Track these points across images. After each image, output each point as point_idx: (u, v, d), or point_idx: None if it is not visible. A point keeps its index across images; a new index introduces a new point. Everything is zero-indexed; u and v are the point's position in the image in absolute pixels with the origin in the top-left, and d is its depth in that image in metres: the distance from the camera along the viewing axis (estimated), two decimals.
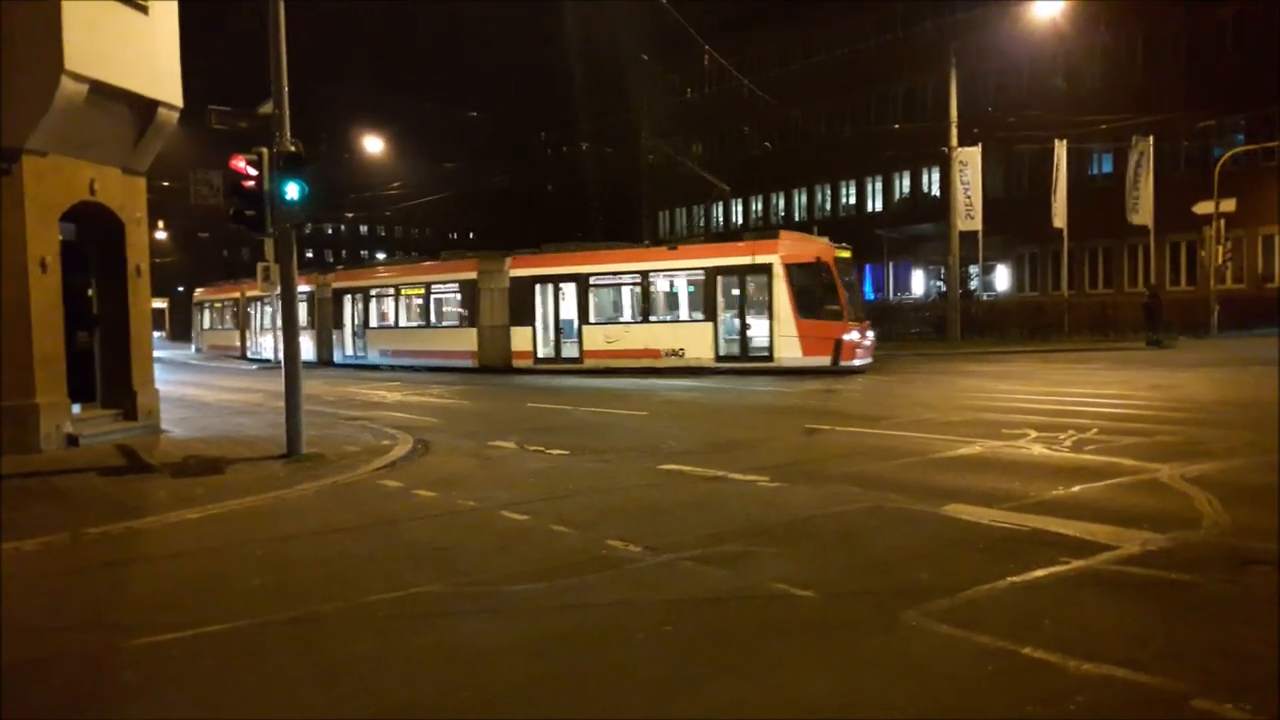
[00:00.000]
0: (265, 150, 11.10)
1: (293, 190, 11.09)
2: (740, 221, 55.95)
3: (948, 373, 21.57)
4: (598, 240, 29.32)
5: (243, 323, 39.07)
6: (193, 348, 46.14)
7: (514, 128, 60.64)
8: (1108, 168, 37.58)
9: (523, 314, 25.34)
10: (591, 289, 24.57)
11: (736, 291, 22.47)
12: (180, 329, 57.37)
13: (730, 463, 9.84)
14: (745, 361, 22.30)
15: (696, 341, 22.88)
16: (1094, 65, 38.78)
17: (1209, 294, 31.04)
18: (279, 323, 33.07)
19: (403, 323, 29.35)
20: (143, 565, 6.90)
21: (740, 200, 56.64)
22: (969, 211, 28.91)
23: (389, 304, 29.95)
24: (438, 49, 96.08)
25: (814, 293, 21.77)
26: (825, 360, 21.45)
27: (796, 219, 52.01)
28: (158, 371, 15.11)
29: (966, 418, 13.14)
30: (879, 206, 48.87)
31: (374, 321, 30.22)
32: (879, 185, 49.40)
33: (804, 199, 53.24)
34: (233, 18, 47.00)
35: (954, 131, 28.49)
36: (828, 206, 51.84)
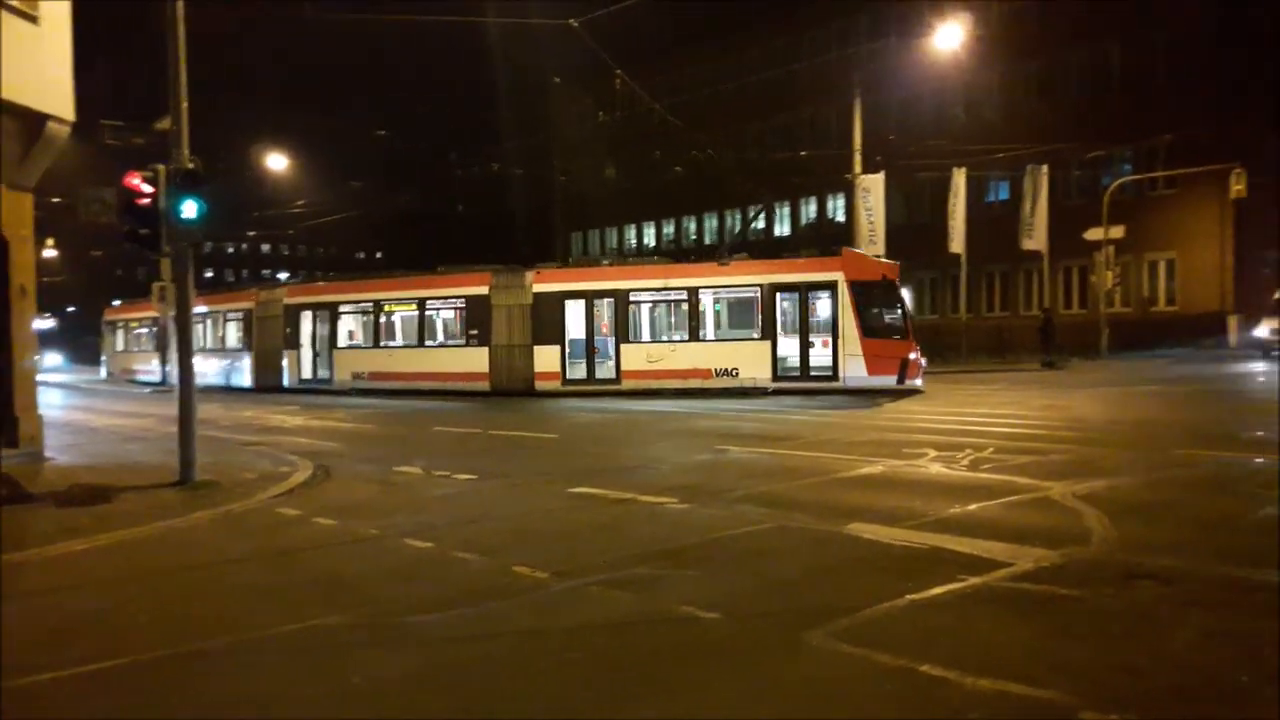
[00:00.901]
0: (162, 167, 10.74)
1: (190, 208, 10.74)
2: (652, 244, 56.35)
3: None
4: (511, 261, 28.38)
5: (163, 344, 35.21)
6: (102, 371, 42.20)
7: (425, 147, 60.03)
8: (1004, 195, 39.02)
9: (549, 332, 23.32)
10: (631, 305, 23.10)
11: (797, 309, 21.78)
12: (87, 352, 53.63)
13: (640, 485, 9.84)
14: (806, 381, 21.49)
15: (752, 361, 21.87)
16: (992, 97, 40.31)
17: (1100, 317, 32.39)
18: (209, 343, 30.77)
19: (387, 342, 26.26)
20: (22, 601, 6.52)
21: (653, 223, 57.14)
22: (872, 236, 29.62)
23: (366, 321, 26.62)
24: (346, 66, 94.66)
25: (879, 311, 21.45)
26: (891, 380, 21.01)
27: (707, 242, 52.67)
28: (51, 396, 14.42)
29: (869, 438, 13.40)
30: (787, 231, 49.79)
31: (343, 341, 26.86)
32: (787, 210, 50.36)
33: (715, 223, 53.95)
34: (135, 31, 45.52)
35: (858, 159, 29.24)
36: (737, 230, 52.58)
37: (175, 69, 11.07)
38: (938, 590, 5.79)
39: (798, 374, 21.60)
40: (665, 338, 23.36)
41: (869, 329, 21.10)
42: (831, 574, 6.43)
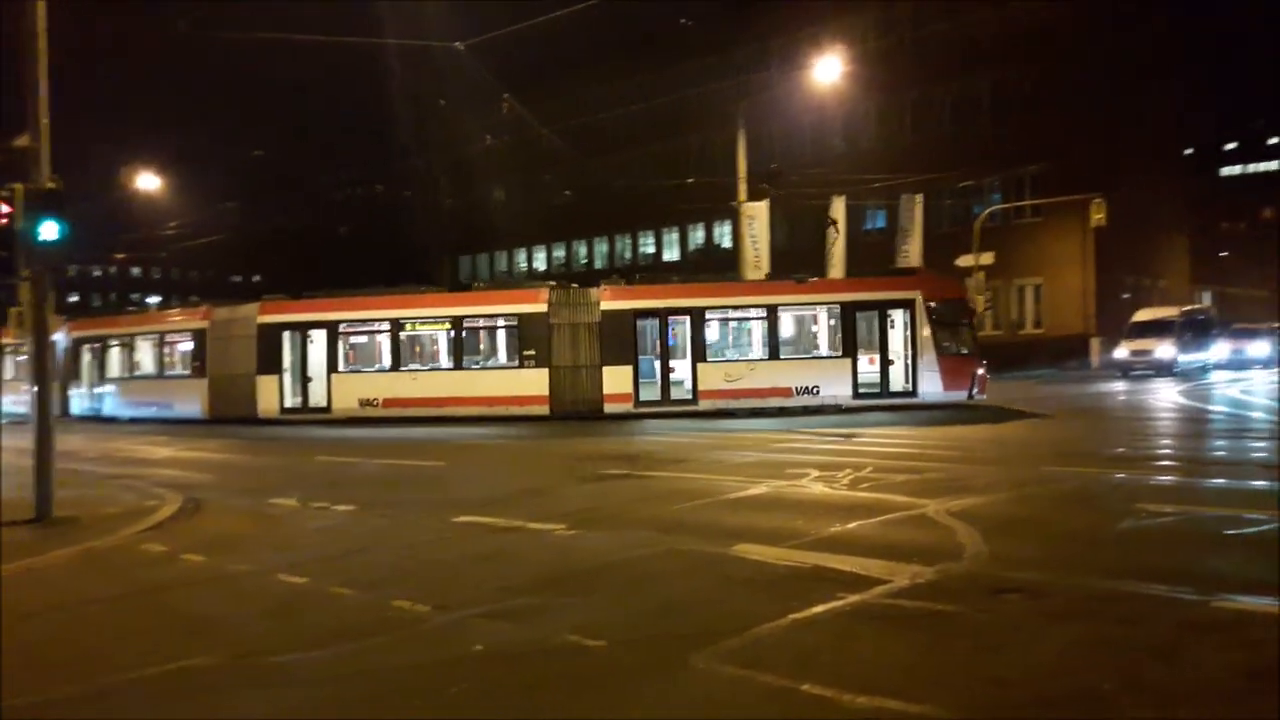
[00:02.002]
0: (19, 186, 10.16)
1: (50, 230, 10.18)
2: (543, 268, 56.28)
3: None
4: (397, 285, 26.58)
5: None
6: None
7: (305, 169, 58.66)
8: (881, 223, 40.41)
9: (619, 351, 22.08)
10: (708, 324, 22.42)
11: (875, 327, 21.79)
12: None
13: (526, 512, 9.72)
14: (886, 398, 21.50)
15: (833, 379, 21.64)
16: (869, 128, 41.83)
17: None
18: (143, 369, 27.32)
19: (409, 365, 23.73)
20: None
21: (543, 247, 57.08)
22: (757, 262, 30.18)
23: (379, 342, 24.15)
24: (223, 85, 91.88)
25: (952, 328, 21.85)
26: (962, 395, 21.43)
27: (598, 266, 52.91)
28: None
29: (754, 459, 13.60)
30: (676, 256, 50.44)
31: (345, 364, 23.92)
32: (675, 236, 51.07)
33: (605, 247, 54.26)
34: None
35: (742, 187, 29.78)
36: (627, 255, 53.03)
37: (35, 83, 10.51)
38: (819, 609, 5.88)
39: (878, 391, 21.62)
40: (744, 356, 22.69)
41: (943, 346, 21.51)
42: (718, 596, 6.46)
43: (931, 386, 21.41)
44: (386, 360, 23.75)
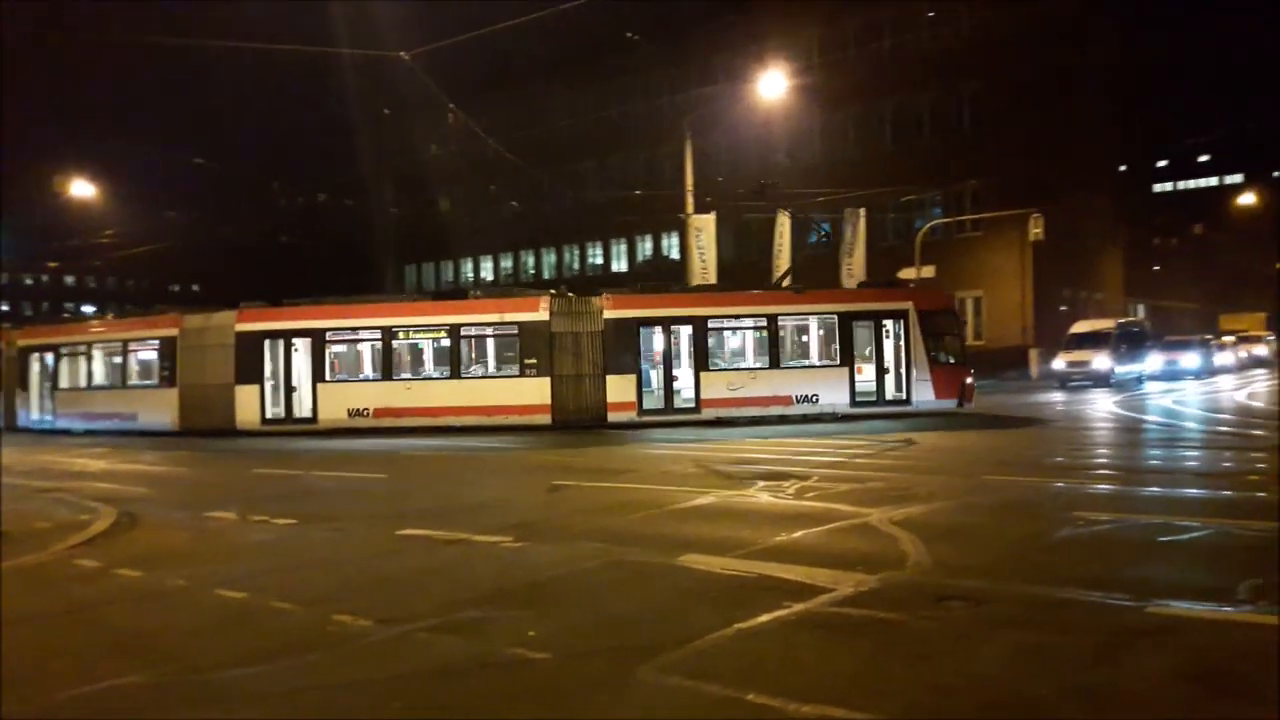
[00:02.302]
0: None
1: None
2: (490, 278, 55.98)
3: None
4: (343, 293, 25.78)
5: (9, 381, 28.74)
6: None
7: (247, 178, 57.71)
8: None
9: (623, 360, 22.02)
10: (711, 333, 22.45)
11: (872, 336, 22.26)
12: None
13: (473, 524, 9.62)
14: (881, 406, 22.01)
15: (831, 387, 22.01)
16: (813, 143, 42.38)
17: None
18: (99, 379, 25.91)
19: (402, 374, 23.10)
20: None
21: (490, 257, 56.79)
22: (704, 274, 30.37)
23: (368, 351, 23.59)
24: (163, 92, 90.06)
25: (942, 338, 22.43)
26: (952, 403, 21.99)
27: (546, 277, 52.80)
28: None
29: (701, 469, 13.63)
30: (624, 267, 50.51)
31: (332, 373, 23.38)
32: (623, 247, 51.15)
33: (553, 258, 54.17)
34: None
35: (690, 199, 29.98)
36: (575, 266, 52.98)
37: None
38: (764, 618, 5.90)
39: (874, 399, 22.08)
40: (745, 365, 22.87)
41: (934, 356, 22.06)
42: (664, 606, 6.45)
43: (924, 395, 21.94)
44: (378, 369, 23.24)
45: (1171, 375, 35.70)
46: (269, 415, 23.23)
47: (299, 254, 58.22)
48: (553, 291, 23.60)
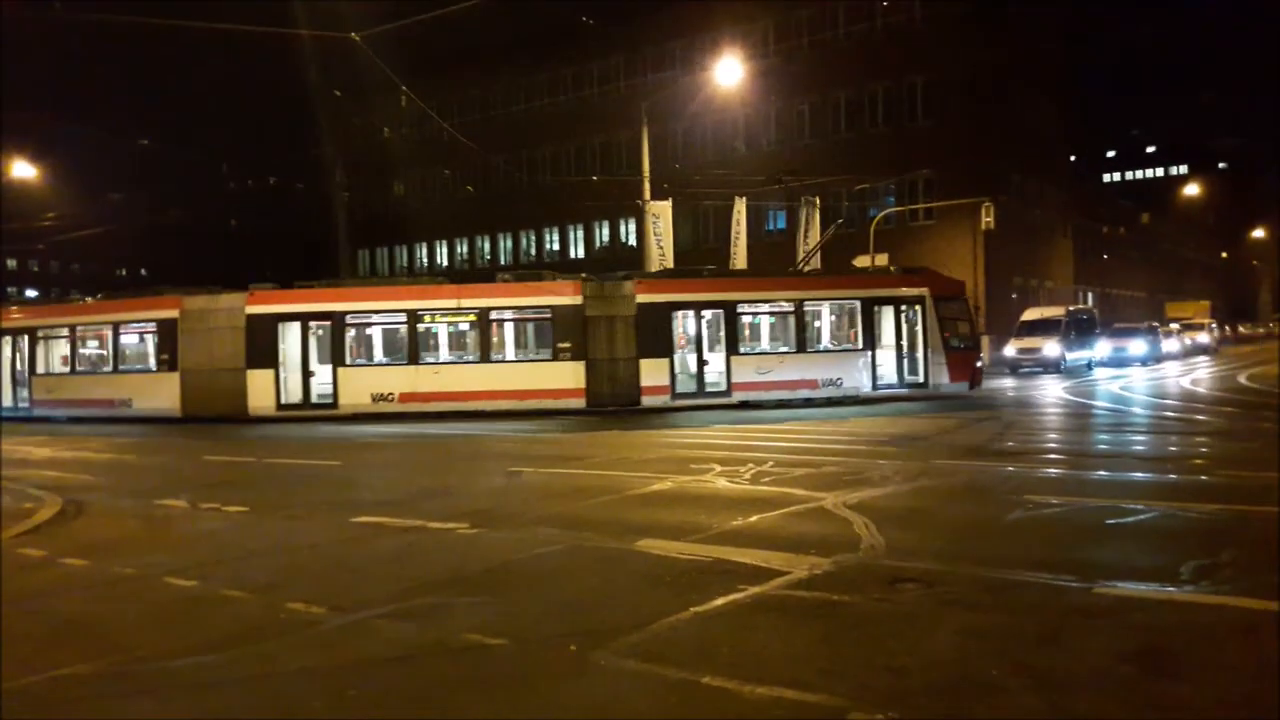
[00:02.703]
0: None
1: None
2: (445, 264, 55.56)
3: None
4: (299, 278, 25.32)
5: None
6: None
7: (196, 160, 56.59)
8: (781, 224, 41.14)
9: (656, 344, 22.18)
10: (740, 317, 22.90)
11: (891, 322, 22.84)
12: None
13: (430, 511, 9.56)
14: (901, 389, 22.73)
15: (855, 370, 22.56)
16: (769, 131, 42.53)
17: None
18: (88, 364, 24.86)
19: (429, 358, 22.90)
20: None
21: (445, 242, 56.33)
22: (662, 260, 30.42)
23: (394, 335, 23.28)
24: (108, 70, 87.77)
25: (955, 323, 23.17)
26: (965, 386, 22.90)
27: (502, 262, 52.50)
28: None
29: (660, 455, 13.68)
30: (581, 254, 50.38)
31: (353, 357, 23.12)
32: (581, 233, 51.01)
33: (509, 243, 53.86)
34: None
35: (646, 185, 29.97)
36: (533, 251, 52.75)
37: None
38: (720, 601, 5.94)
39: (895, 382, 22.76)
40: (772, 349, 23.41)
41: (949, 340, 22.82)
42: (621, 591, 6.47)
43: (940, 378, 22.70)
44: (403, 353, 22.88)
45: (1119, 362, 36.48)
46: (285, 400, 22.61)
47: (250, 238, 57.30)
48: (583, 276, 23.74)
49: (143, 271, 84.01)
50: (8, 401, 25.61)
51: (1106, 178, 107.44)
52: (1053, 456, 13.19)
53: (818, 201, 33.86)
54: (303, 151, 53.29)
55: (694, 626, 5.54)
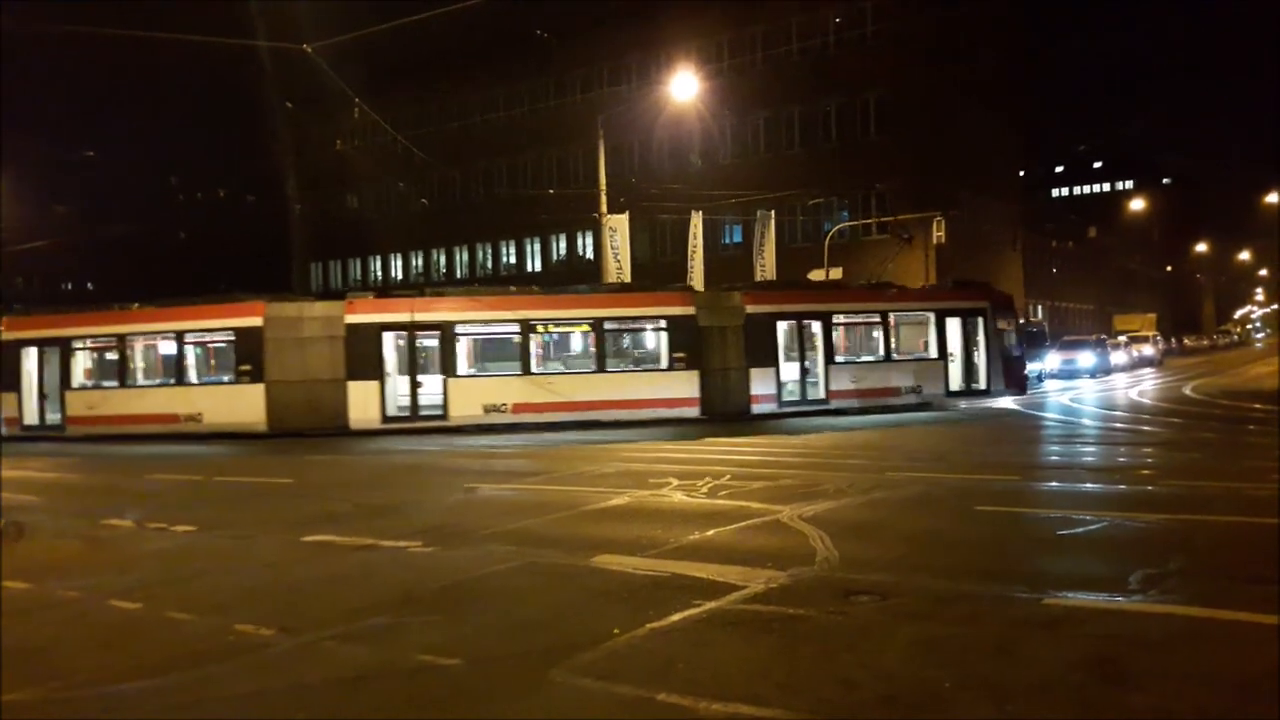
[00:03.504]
0: None
1: None
2: (400, 276, 55.11)
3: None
4: (251, 291, 23.92)
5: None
6: None
7: (143, 172, 55.68)
8: (738, 238, 41.41)
9: (762, 354, 22.54)
10: (835, 328, 23.58)
11: (959, 332, 24.15)
12: None
13: (383, 529, 9.43)
14: (968, 396, 24.10)
15: (932, 378, 23.67)
16: (725, 145, 42.81)
17: None
18: (146, 376, 22.81)
19: (542, 368, 22.56)
20: None
21: (400, 255, 55.90)
22: (619, 273, 30.43)
23: (509, 345, 22.41)
24: (54, 83, 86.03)
25: (1009, 333, 24.91)
26: (1017, 392, 25.04)
27: (459, 275, 52.19)
28: None
29: (617, 469, 13.64)
30: (538, 266, 50.24)
31: (464, 368, 22.26)
32: (538, 246, 50.87)
33: (465, 256, 53.55)
34: None
35: (603, 199, 29.98)
36: (489, 264, 52.51)
37: None
38: (676, 617, 5.93)
39: (963, 389, 24.12)
40: (863, 358, 24.29)
41: (1005, 349, 24.52)
42: (577, 608, 6.43)
43: (999, 384, 24.27)
44: (516, 363, 22.27)
45: (1069, 374, 37.13)
46: (391, 412, 21.72)
47: (200, 251, 56.44)
48: (693, 286, 24.40)
49: (89, 285, 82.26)
50: (31, 419, 23.30)
51: (1055, 192, 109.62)
52: (1004, 467, 13.36)
53: (772, 216, 34.14)
54: (255, 163, 52.69)
55: (650, 642, 5.51)
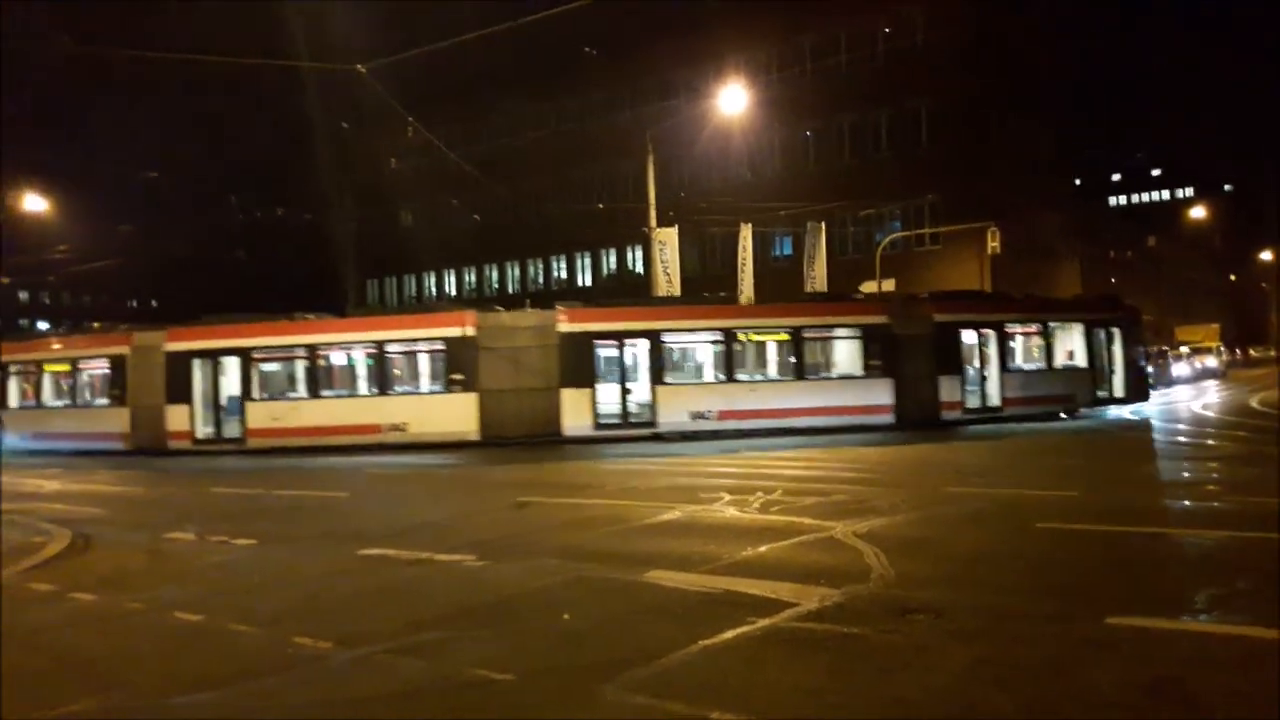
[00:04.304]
0: None
1: None
2: (453, 293, 55.72)
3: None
4: (307, 309, 24.84)
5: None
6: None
7: (204, 192, 57.03)
8: (788, 250, 41.18)
9: (950, 362, 23.41)
10: (1006, 337, 24.50)
11: (1104, 343, 25.29)
12: None
13: (437, 543, 9.53)
14: (1110, 404, 25.37)
15: (1083, 387, 24.82)
16: (774, 157, 42.70)
17: None
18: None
19: (745, 376, 23.11)
20: None
21: (452, 271, 56.53)
22: (669, 287, 30.44)
23: (710, 353, 23.11)
24: (119, 106, 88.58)
25: (1139, 345, 26.37)
26: (1145, 399, 26.24)
27: (510, 291, 52.60)
28: None
29: (668, 484, 13.63)
30: (589, 281, 50.46)
31: (672, 376, 22.73)
32: (588, 261, 51.12)
33: (516, 272, 54.00)
34: None
35: (652, 213, 30.04)
36: (540, 280, 52.86)
37: None
38: (730, 634, 5.90)
39: (1106, 397, 25.21)
40: (1030, 366, 25.08)
41: (1137, 360, 25.81)
42: (629, 624, 6.43)
43: (1131, 393, 25.46)
44: (721, 371, 22.88)
45: None
46: (603, 419, 22.11)
47: (258, 269, 57.62)
48: (885, 295, 25.66)
49: (153, 303, 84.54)
50: (204, 433, 23.15)
51: (1112, 201, 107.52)
52: (1063, 482, 13.09)
53: (823, 227, 33.94)
54: (310, 183, 53.65)
55: (703, 660, 5.49)
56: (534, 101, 49.79)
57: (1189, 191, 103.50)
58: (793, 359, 22.99)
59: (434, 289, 57.29)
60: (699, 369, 23.57)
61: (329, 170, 54.03)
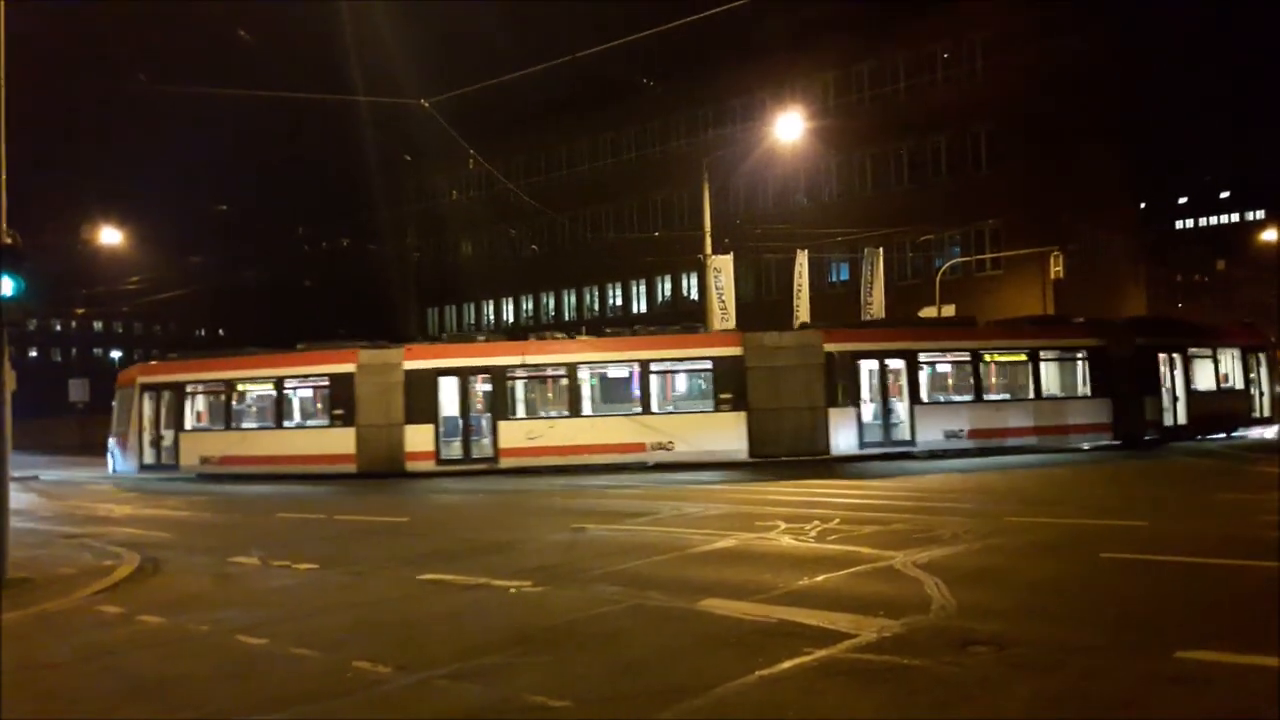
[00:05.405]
0: None
1: (6, 285, 10.07)
2: (511, 320, 56.31)
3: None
4: (376, 336, 24.72)
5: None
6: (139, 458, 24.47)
7: (270, 223, 58.53)
8: (844, 275, 40.90)
9: (1149, 383, 24.37)
10: (1191, 361, 25.52)
11: (1263, 369, 27.32)
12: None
13: (493, 568, 9.61)
14: (1259, 425, 27.09)
15: (1240, 410, 26.44)
16: (830, 183, 42.55)
17: None
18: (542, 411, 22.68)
19: (1003, 395, 24.13)
20: None
21: (511, 299, 57.17)
22: (724, 314, 30.42)
23: (953, 372, 24.06)
24: (185, 139, 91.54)
25: (1276, 369, 27.83)
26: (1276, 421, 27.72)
27: (566, 318, 53.01)
28: None
29: (723, 511, 13.57)
30: (644, 308, 50.63)
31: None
32: (643, 288, 51.32)
33: (573, 299, 54.42)
34: None
35: (708, 240, 30.10)
36: (595, 307, 53.18)
37: None
38: (787, 665, 5.85)
39: (1256, 418, 26.83)
40: (1199, 387, 25.71)
41: (1275, 384, 27.25)
42: (685, 653, 6.40)
43: (1267, 414, 26.99)
44: (970, 391, 23.55)
45: None
46: (867, 438, 22.49)
47: (322, 298, 58.86)
48: (1098, 321, 26.18)
49: (220, 331, 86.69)
50: (452, 453, 22.81)
51: (1179, 224, 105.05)
52: (1127, 510, 12.74)
53: (881, 253, 33.70)
54: (373, 214, 54.79)
55: (759, 691, 5.45)
56: (591, 131, 50.38)
57: (1260, 214, 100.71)
58: (1029, 381, 23.65)
59: (492, 317, 57.97)
60: (950, 389, 24.34)
61: (391, 202, 55.16)
